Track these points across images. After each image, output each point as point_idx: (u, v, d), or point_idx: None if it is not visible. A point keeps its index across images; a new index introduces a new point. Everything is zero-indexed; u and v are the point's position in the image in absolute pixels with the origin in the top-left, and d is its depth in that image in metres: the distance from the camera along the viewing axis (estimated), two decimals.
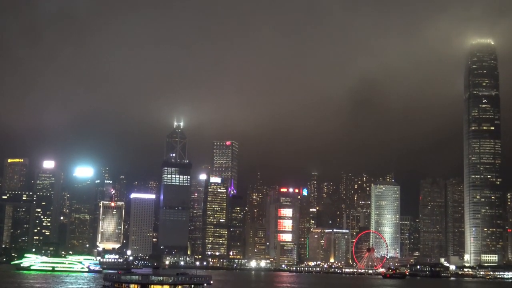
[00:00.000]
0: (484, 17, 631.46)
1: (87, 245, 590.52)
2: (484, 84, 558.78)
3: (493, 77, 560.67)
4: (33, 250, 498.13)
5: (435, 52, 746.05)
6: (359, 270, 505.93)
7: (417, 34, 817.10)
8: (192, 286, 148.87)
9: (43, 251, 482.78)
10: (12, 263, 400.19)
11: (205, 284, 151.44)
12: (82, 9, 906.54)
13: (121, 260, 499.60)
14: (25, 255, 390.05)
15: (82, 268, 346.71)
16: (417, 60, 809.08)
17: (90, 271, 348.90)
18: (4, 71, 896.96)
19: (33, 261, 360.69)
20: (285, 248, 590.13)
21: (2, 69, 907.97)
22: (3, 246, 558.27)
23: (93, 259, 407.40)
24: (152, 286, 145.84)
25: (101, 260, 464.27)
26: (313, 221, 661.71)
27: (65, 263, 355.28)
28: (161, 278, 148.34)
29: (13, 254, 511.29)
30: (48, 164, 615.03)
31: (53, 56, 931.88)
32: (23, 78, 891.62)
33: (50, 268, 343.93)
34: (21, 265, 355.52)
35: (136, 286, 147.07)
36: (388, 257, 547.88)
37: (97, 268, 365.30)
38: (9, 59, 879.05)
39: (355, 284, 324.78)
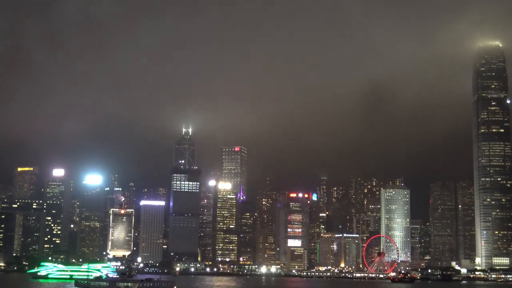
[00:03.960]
0: (493, 19, 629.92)
1: (104, 253, 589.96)
2: (493, 86, 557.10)
3: (502, 80, 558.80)
4: (49, 258, 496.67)
5: (444, 54, 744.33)
6: (370, 275, 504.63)
7: (428, 36, 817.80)
8: None
9: (53, 259, 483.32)
10: (28, 271, 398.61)
11: None
12: (102, 16, 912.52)
13: (123, 267, 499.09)
14: (42, 263, 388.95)
15: (101, 276, 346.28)
16: (426, 62, 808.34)
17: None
18: (20, 77, 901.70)
19: (50, 269, 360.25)
20: (295, 253, 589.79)
21: (18, 75, 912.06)
22: (14, 254, 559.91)
23: (110, 267, 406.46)
24: None
25: None
26: (323, 226, 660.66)
27: (83, 271, 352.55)
28: (128, 284, 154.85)
29: (24, 263, 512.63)
30: (58, 172, 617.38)
31: (70, 63, 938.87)
32: (39, 84, 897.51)
33: (68, 277, 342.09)
34: (38, 273, 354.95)
35: None
36: (399, 261, 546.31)
37: (115, 276, 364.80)
38: (26, 64, 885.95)
39: None
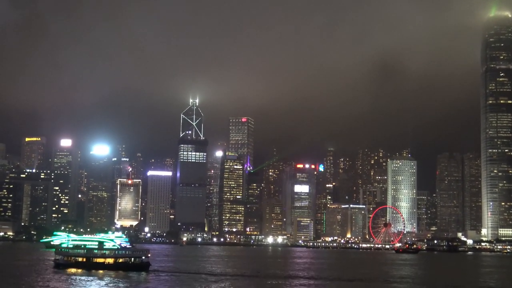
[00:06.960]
0: None
1: (115, 222, 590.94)
2: (502, 57, 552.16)
3: (511, 51, 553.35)
4: (61, 228, 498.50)
5: (454, 25, 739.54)
6: (376, 245, 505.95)
7: (438, 6, 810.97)
8: (132, 259, 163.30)
9: (61, 229, 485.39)
10: (41, 241, 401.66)
11: (143, 257, 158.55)
12: None
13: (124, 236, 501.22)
14: (55, 232, 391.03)
15: (114, 245, 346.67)
16: (436, 33, 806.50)
17: (121, 248, 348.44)
18: (34, 46, 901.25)
19: (63, 238, 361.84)
20: (302, 224, 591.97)
21: (32, 44, 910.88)
22: (22, 224, 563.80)
23: (123, 237, 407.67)
24: (96, 259, 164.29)
25: None
26: (329, 197, 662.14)
27: (96, 241, 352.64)
28: (105, 251, 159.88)
29: (32, 232, 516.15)
30: (65, 142, 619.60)
31: (84, 31, 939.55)
32: (52, 54, 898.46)
33: (81, 246, 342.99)
34: (51, 243, 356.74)
35: (82, 259, 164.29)
36: (405, 232, 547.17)
37: (128, 245, 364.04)
38: (40, 33, 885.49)
39: (364, 258, 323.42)
